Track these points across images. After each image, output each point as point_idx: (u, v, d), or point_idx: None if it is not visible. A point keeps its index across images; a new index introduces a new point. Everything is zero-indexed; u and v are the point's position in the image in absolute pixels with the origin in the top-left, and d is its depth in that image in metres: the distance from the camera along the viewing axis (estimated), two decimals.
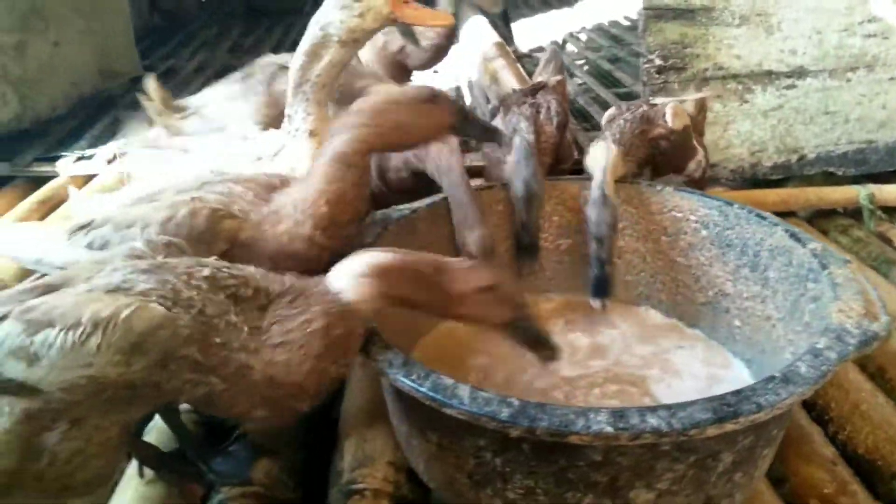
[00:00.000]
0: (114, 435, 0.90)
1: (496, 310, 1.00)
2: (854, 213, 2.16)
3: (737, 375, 1.36)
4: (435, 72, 3.78)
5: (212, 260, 0.96)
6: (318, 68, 1.33)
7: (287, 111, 1.35)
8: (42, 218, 2.25)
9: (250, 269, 0.96)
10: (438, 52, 2.60)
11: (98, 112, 3.07)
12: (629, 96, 3.09)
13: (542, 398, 1.30)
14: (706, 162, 1.66)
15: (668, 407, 0.86)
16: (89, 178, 2.53)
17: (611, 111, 1.59)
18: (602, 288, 1.38)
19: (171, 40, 4.46)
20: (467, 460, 1.00)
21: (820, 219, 2.18)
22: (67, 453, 0.85)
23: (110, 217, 1.07)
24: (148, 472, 1.19)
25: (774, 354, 1.26)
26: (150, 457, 1.18)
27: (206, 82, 3.53)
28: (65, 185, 2.49)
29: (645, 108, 1.55)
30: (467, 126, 1.18)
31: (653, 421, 0.84)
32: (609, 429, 0.83)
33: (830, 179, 2.32)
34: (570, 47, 4.39)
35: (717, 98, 2.24)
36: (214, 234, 1.02)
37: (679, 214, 1.46)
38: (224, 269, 0.93)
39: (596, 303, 1.38)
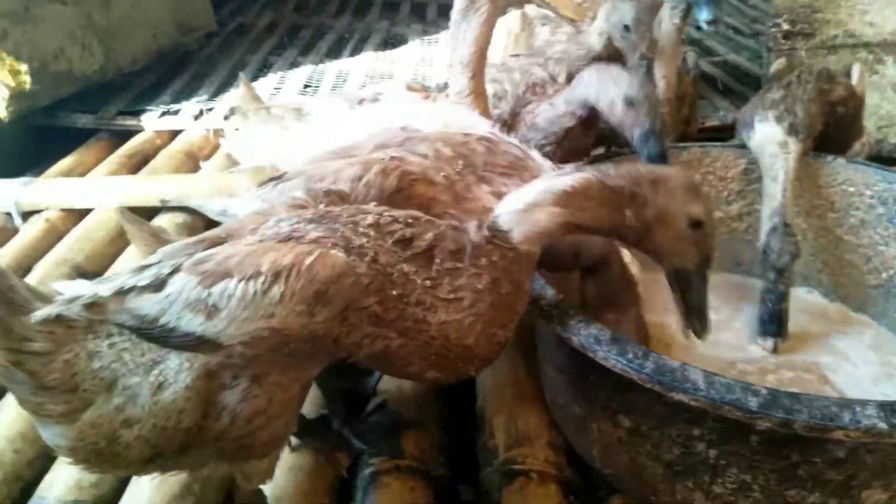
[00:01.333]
0: (295, 393, 0.83)
1: (690, 250, 0.86)
2: None
3: None
4: None
5: (372, 206, 0.88)
6: (472, 26, 1.23)
7: (448, 77, 1.25)
8: (131, 174, 2.19)
9: (413, 213, 0.87)
10: None
11: (176, 66, 2.99)
12: (724, 65, 2.94)
13: None
14: (869, 146, 1.52)
15: None
16: (175, 133, 2.46)
17: (779, 63, 1.45)
18: (776, 326, 1.24)
19: None
20: (670, 449, 0.91)
21: None
22: (249, 412, 0.78)
23: (303, 171, 0.99)
24: (294, 440, 1.13)
25: None
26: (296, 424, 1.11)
27: (280, 42, 3.46)
28: (150, 140, 2.43)
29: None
30: None
31: None
32: (882, 425, 0.73)
33: None
34: None
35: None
36: (408, 198, 0.93)
37: (851, 189, 1.34)
38: (387, 214, 0.84)
39: (766, 343, 1.24)
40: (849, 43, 2.10)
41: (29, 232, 1.80)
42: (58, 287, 0.84)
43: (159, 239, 1.10)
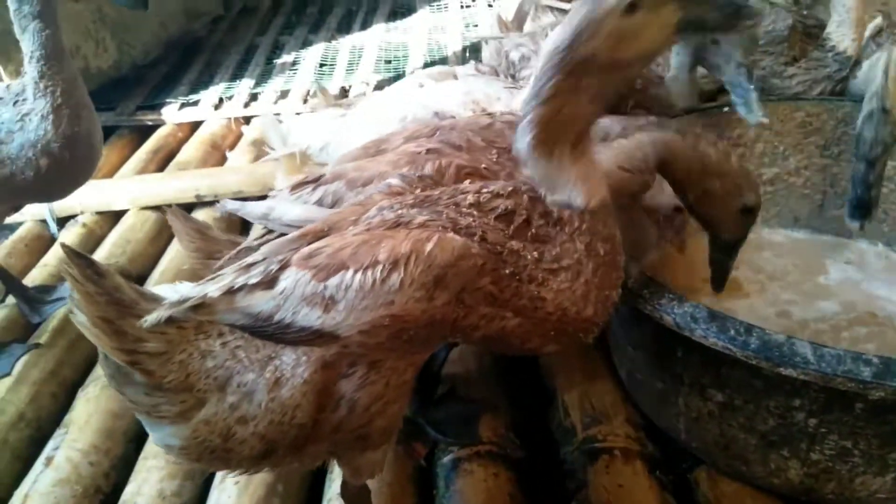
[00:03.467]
0: (409, 378, 0.82)
1: (658, 23, 0.74)
2: None
3: None
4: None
5: (468, 184, 0.85)
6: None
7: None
8: (159, 170, 2.16)
9: (499, 182, 0.84)
10: None
11: (188, 55, 2.95)
12: None
13: None
14: None
15: None
16: (195, 124, 2.43)
17: (874, 26, 1.38)
18: (864, 210, 1.19)
19: None
20: (766, 420, 0.89)
21: None
22: (367, 399, 0.77)
23: (342, 173, 0.96)
24: None
25: None
26: None
27: (288, 21, 3.40)
28: (172, 133, 2.40)
29: None
30: (699, 15, 0.75)
31: None
32: None
33: None
34: None
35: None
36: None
37: None
38: (485, 191, 0.81)
39: (854, 223, 1.20)
40: None
41: (67, 238, 1.79)
42: (160, 291, 0.82)
43: (204, 235, 1.08)
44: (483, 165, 0.93)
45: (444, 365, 1.28)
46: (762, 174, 1.43)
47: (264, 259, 0.75)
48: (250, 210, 1.02)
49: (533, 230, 0.79)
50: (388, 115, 1.18)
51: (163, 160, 2.25)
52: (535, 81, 0.75)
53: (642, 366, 1.06)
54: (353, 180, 0.96)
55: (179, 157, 2.20)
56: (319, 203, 0.97)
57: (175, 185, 1.89)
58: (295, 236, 0.79)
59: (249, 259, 0.77)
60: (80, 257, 0.75)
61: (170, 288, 0.80)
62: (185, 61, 2.88)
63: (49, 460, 1.15)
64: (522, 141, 0.76)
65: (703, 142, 0.93)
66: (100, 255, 1.69)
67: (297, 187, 1.01)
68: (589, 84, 0.74)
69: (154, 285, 1.58)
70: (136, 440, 1.21)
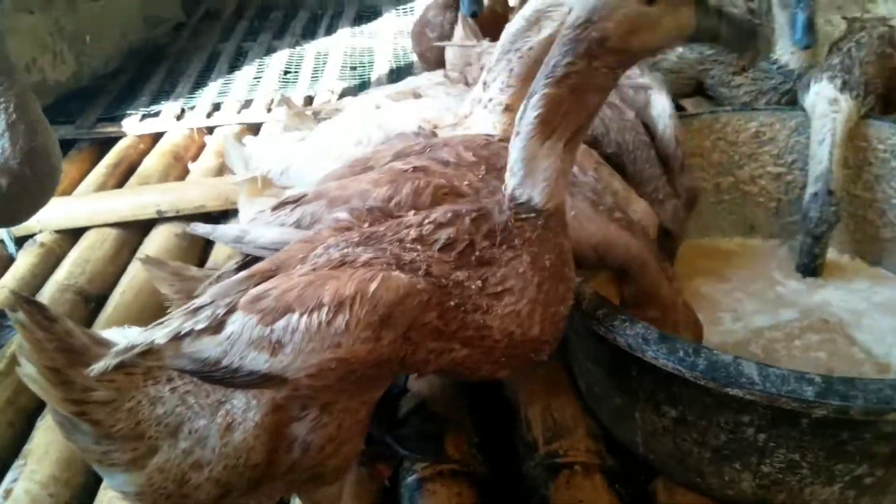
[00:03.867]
0: (363, 416, 0.82)
1: (673, 21, 0.74)
2: None
3: None
4: None
5: (411, 216, 0.85)
6: (534, 41, 1.15)
7: (485, 77, 1.18)
8: (119, 184, 2.13)
9: (441, 209, 0.85)
10: None
11: (148, 63, 2.90)
12: None
13: (736, 352, 1.20)
14: None
15: None
16: (157, 135, 2.40)
17: (840, 31, 1.40)
18: (811, 271, 1.31)
19: None
20: (717, 435, 0.91)
21: None
22: (321, 441, 0.78)
23: (325, 191, 0.95)
24: None
25: None
26: None
27: (251, 27, 3.36)
28: (133, 145, 2.37)
29: (882, 28, 1.36)
30: (715, 26, 0.76)
31: None
32: None
33: None
34: None
35: (837, 10, 2.06)
36: None
37: (863, 144, 1.33)
38: (427, 223, 0.82)
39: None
40: None
41: (25, 258, 1.75)
42: (109, 335, 0.82)
43: (182, 276, 1.07)
44: (465, 182, 0.92)
45: (408, 380, 1.28)
46: (719, 183, 1.46)
47: (212, 302, 0.75)
48: (222, 233, 1.01)
49: (477, 253, 0.79)
50: (345, 139, 1.17)
51: (124, 174, 2.21)
52: (548, 59, 0.76)
53: (600, 381, 1.08)
54: (335, 199, 0.95)
55: (140, 171, 2.16)
56: (297, 224, 0.96)
57: (135, 200, 1.86)
58: (242, 277, 0.79)
59: (197, 302, 0.76)
60: (29, 303, 0.74)
61: (118, 332, 0.80)
62: (147, 71, 2.83)
63: (7, 493, 1.13)
64: (528, 116, 0.76)
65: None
66: (59, 276, 1.67)
67: (278, 208, 1.00)
68: (598, 70, 0.74)
69: (115, 305, 1.56)
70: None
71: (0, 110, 1.20)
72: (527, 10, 1.11)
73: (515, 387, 1.27)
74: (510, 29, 1.13)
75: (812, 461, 0.87)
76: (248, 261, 1.03)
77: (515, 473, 1.15)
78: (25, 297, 0.75)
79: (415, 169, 0.91)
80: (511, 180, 0.80)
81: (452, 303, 0.78)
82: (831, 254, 1.41)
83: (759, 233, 1.46)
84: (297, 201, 0.95)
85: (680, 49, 1.63)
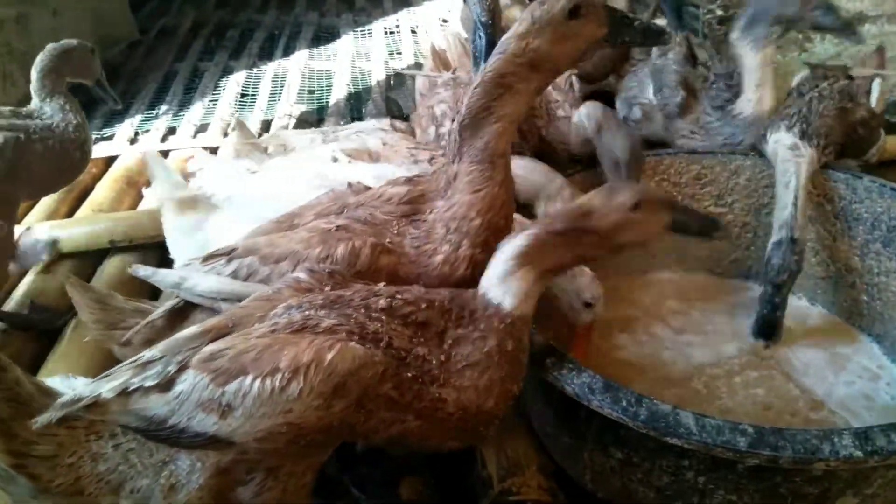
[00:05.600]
0: (308, 480, 0.84)
1: (653, 221, 0.90)
2: None
3: (867, 350, 1.34)
4: (444, 21, 3.62)
5: (382, 286, 0.89)
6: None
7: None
8: (72, 208, 2.10)
9: (415, 290, 0.89)
10: None
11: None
12: None
13: (681, 390, 1.27)
14: (884, 144, 1.52)
15: None
16: (110, 159, 2.36)
17: (801, 77, 1.45)
18: (770, 329, 1.28)
19: None
20: (660, 477, 0.96)
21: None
22: None
23: (255, 247, 0.98)
24: None
25: None
26: None
27: (207, 46, 3.33)
28: (87, 172, 2.32)
29: (843, 81, 1.39)
30: (623, 31, 0.97)
31: None
32: (858, 453, 0.79)
33: None
34: None
35: (777, 49, 2.17)
36: (376, 271, 0.94)
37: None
38: (398, 297, 0.85)
39: (759, 342, 1.30)
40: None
41: None
42: (54, 384, 0.82)
43: (106, 305, 1.07)
44: (387, 240, 0.97)
45: None
46: None
47: (162, 357, 0.75)
48: (162, 278, 1.02)
49: (445, 335, 0.84)
50: (300, 189, 1.20)
51: (76, 199, 2.18)
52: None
53: (551, 421, 1.12)
54: (266, 256, 0.98)
55: (94, 196, 2.13)
56: (234, 275, 0.98)
57: (87, 230, 1.84)
58: (196, 332, 0.79)
59: (147, 355, 0.76)
60: None
61: (63, 381, 0.80)
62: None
63: None
64: (517, 241, 0.86)
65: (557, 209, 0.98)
66: (10, 307, 1.64)
67: (208, 259, 1.01)
68: (529, 73, 0.93)
69: (66, 340, 1.54)
70: None
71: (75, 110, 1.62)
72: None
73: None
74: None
75: (748, 501, 0.93)
76: (181, 306, 1.05)
77: None
78: None
79: (338, 228, 0.94)
80: (486, 282, 0.87)
81: (409, 374, 0.80)
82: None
83: (703, 268, 1.53)
84: (228, 254, 0.98)
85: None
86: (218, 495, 0.77)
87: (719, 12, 2.12)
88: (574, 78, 1.65)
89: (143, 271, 1.08)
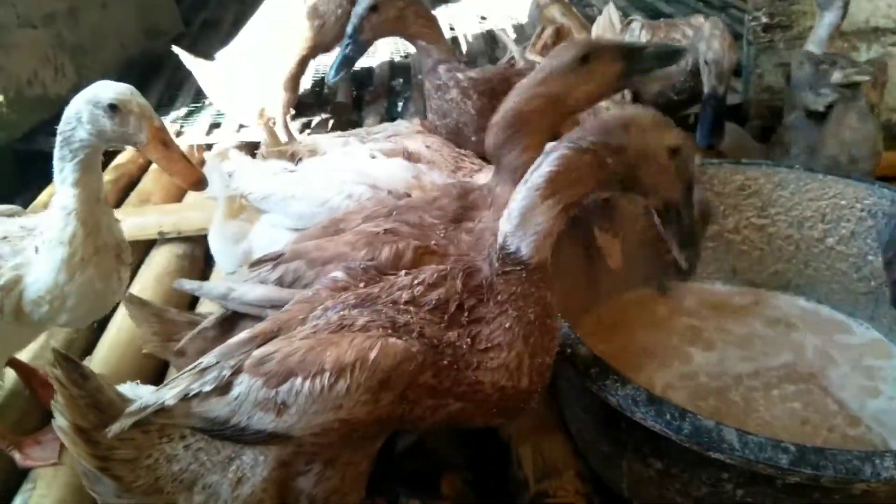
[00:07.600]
0: (364, 468, 0.88)
1: (673, 179, 0.90)
2: None
3: None
4: (483, 18, 3.63)
5: (402, 278, 0.91)
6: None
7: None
8: (120, 200, 2.17)
9: (428, 269, 0.90)
10: None
11: (148, 75, 2.93)
12: None
13: (717, 400, 1.28)
14: None
15: None
16: None
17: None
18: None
19: None
20: (698, 488, 0.98)
21: None
22: (325, 493, 0.84)
23: (303, 251, 1.01)
24: None
25: None
26: None
27: None
28: (133, 159, 2.39)
29: None
30: (638, 59, 1.09)
31: None
32: None
33: None
34: None
35: None
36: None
37: (843, 202, 1.40)
38: (417, 285, 0.87)
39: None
40: None
41: None
42: (122, 390, 0.87)
43: (162, 318, 1.12)
44: (433, 242, 1.00)
45: None
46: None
47: (217, 363, 0.81)
48: (208, 291, 1.06)
49: (466, 313, 0.86)
50: (334, 189, 1.23)
51: (123, 189, 2.25)
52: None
53: (589, 428, 1.14)
54: (314, 259, 1.01)
55: (141, 187, 2.20)
56: (279, 282, 1.02)
57: (137, 222, 1.90)
58: (245, 338, 0.84)
59: (203, 362, 0.82)
60: (67, 360, 0.79)
61: (130, 388, 0.86)
62: (146, 82, 2.86)
63: None
64: (542, 170, 0.85)
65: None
66: None
67: (255, 265, 1.05)
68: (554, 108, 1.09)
69: (117, 328, 1.60)
70: None
71: None
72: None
73: (508, 425, 1.32)
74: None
75: None
76: (229, 315, 1.09)
77: None
78: (63, 355, 0.80)
79: (386, 231, 0.97)
80: (505, 226, 0.86)
81: (445, 361, 0.84)
82: (802, 301, 1.50)
83: (739, 279, 1.53)
84: (275, 259, 1.01)
85: None
86: (281, 486, 0.82)
87: (764, 19, 2.11)
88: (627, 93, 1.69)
89: (189, 285, 1.13)
